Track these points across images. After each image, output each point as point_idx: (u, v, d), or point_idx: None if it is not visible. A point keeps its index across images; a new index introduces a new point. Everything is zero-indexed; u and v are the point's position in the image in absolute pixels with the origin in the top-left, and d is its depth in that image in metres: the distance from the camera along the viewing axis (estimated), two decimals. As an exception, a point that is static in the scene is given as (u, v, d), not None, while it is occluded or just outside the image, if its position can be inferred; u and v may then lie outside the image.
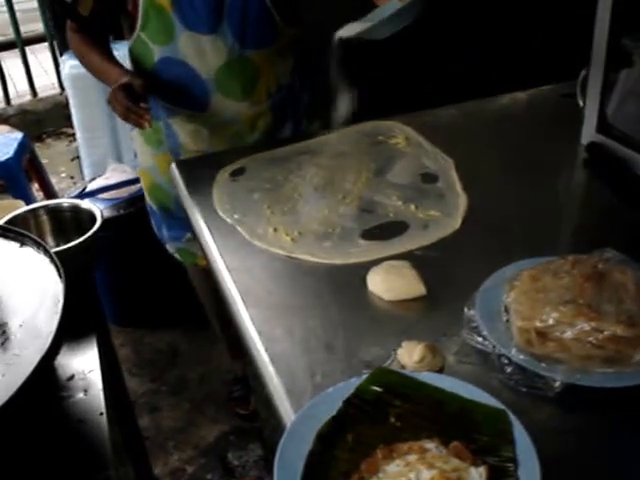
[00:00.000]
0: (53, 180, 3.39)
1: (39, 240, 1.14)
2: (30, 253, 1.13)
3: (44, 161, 3.29)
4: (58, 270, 1.07)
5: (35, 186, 3.13)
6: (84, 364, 1.14)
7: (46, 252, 1.11)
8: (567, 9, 2.60)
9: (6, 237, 1.17)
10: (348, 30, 1.38)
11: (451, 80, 2.55)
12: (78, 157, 3.00)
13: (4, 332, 1.02)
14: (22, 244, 1.15)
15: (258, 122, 1.80)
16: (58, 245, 1.35)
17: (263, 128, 1.81)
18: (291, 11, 1.72)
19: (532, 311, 0.99)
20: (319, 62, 1.59)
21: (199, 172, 1.59)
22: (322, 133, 1.76)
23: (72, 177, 3.85)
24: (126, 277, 2.68)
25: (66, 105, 3.08)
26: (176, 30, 1.63)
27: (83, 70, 2.59)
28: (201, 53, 1.66)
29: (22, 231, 1.16)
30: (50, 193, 3.12)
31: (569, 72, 1.78)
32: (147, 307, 2.82)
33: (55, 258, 1.09)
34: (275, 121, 1.82)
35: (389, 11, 1.32)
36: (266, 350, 1.05)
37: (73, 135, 3.90)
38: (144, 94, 1.59)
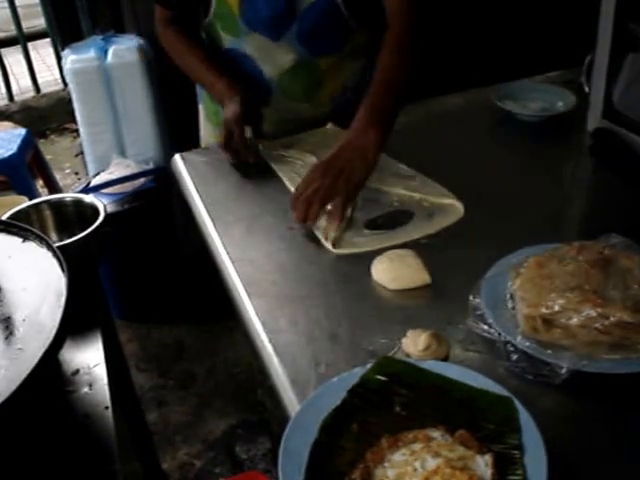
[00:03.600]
0: (58, 176, 3.39)
1: (42, 235, 1.13)
2: (33, 248, 1.13)
3: (48, 157, 3.29)
4: (61, 265, 1.07)
5: (40, 182, 3.13)
6: (89, 358, 1.14)
7: (49, 247, 1.11)
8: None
9: (9, 232, 1.16)
10: None
11: (454, 67, 2.54)
12: (82, 153, 3.00)
13: (7, 327, 1.02)
14: (25, 239, 1.15)
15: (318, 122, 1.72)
16: (61, 240, 1.35)
17: None
18: (366, 14, 1.63)
19: (538, 298, 0.99)
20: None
21: (201, 163, 1.58)
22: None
23: (77, 173, 3.85)
24: (132, 272, 2.68)
25: (69, 101, 3.08)
26: (242, 30, 1.58)
27: (85, 65, 2.63)
28: (266, 54, 1.61)
29: (25, 226, 1.16)
30: (54, 189, 3.12)
31: (572, 59, 1.78)
32: (153, 302, 2.83)
33: (58, 253, 1.09)
34: (336, 122, 1.71)
35: None
36: (270, 341, 1.05)
37: (76, 131, 3.90)
38: (260, 126, 1.54)
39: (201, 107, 1.87)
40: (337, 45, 1.65)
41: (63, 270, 1.05)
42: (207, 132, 1.88)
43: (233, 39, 1.62)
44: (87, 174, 2.86)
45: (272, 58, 1.62)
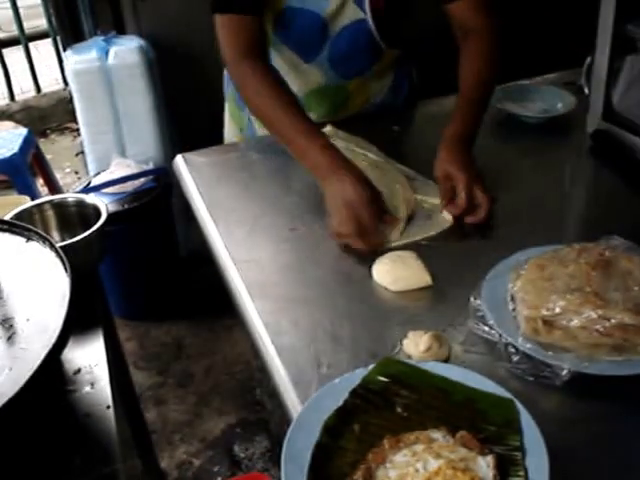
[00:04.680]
0: (58, 175, 3.39)
1: (45, 235, 1.14)
2: (36, 248, 1.13)
3: (48, 157, 3.29)
4: (64, 264, 1.07)
5: (40, 181, 3.13)
6: (90, 358, 1.14)
7: (52, 247, 1.11)
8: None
9: (12, 232, 1.17)
10: None
11: (454, 68, 2.54)
12: (82, 152, 3.00)
13: (11, 326, 1.02)
14: (28, 239, 1.15)
15: None
16: (63, 240, 1.35)
17: None
18: (397, 34, 1.61)
19: (539, 300, 0.99)
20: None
21: (203, 164, 1.59)
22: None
23: (77, 172, 3.85)
24: (131, 271, 2.68)
25: (70, 100, 3.08)
26: (273, 41, 1.56)
27: (86, 65, 2.63)
28: (295, 71, 1.58)
29: (28, 226, 1.16)
30: (55, 188, 3.12)
31: (571, 60, 1.78)
32: (152, 300, 2.83)
33: (61, 253, 1.09)
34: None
35: None
36: (272, 342, 1.05)
37: (77, 130, 3.90)
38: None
39: (227, 106, 1.83)
40: (366, 66, 1.63)
41: (66, 270, 1.06)
42: (231, 131, 1.84)
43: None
44: (87, 174, 2.86)
45: (300, 76, 1.59)
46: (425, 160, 1.49)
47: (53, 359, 0.96)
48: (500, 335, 1.00)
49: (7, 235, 1.17)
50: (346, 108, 1.68)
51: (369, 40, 1.55)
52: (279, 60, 1.59)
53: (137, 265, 2.69)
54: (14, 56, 4.27)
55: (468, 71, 1.44)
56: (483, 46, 1.45)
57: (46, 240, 1.13)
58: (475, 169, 1.32)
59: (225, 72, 1.81)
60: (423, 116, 1.75)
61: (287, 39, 1.55)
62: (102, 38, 2.67)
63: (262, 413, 2.28)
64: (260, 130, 1.70)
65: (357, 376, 0.93)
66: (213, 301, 2.63)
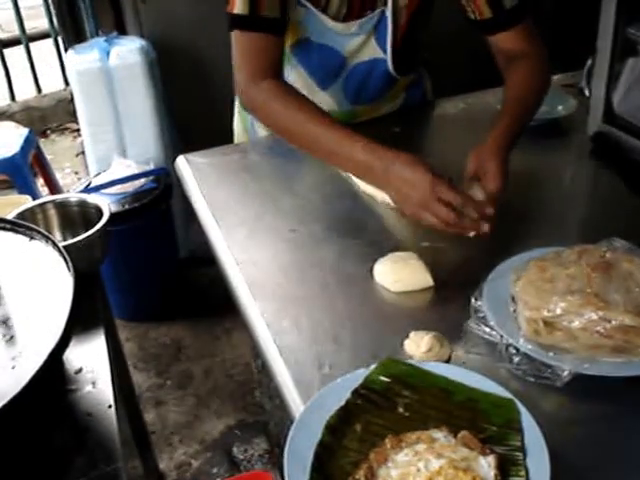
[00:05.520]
0: (57, 176, 3.39)
1: (48, 234, 1.14)
2: (39, 247, 1.14)
3: (48, 157, 3.29)
4: (67, 264, 1.07)
5: (40, 182, 3.13)
6: (92, 357, 1.14)
7: (55, 246, 1.12)
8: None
9: (15, 231, 1.17)
10: None
11: (455, 70, 2.55)
12: (83, 152, 3.01)
13: (14, 325, 1.03)
14: (31, 238, 1.16)
15: None
16: (65, 239, 1.36)
17: None
18: (411, 66, 1.63)
19: (539, 301, 0.99)
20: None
21: (205, 165, 1.59)
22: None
23: (76, 172, 3.86)
24: (130, 272, 2.69)
25: (70, 101, 3.09)
26: (290, 61, 1.55)
27: (88, 66, 2.63)
28: (309, 94, 1.42)
29: (31, 225, 1.17)
30: (55, 189, 3.12)
31: (572, 63, 1.79)
32: (151, 301, 2.83)
33: (64, 252, 1.09)
34: None
35: None
36: (274, 342, 1.05)
37: (77, 131, 3.91)
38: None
39: (236, 107, 1.79)
40: (379, 94, 1.64)
41: (69, 269, 1.06)
42: (240, 132, 1.81)
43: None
44: (87, 174, 2.87)
45: (314, 99, 1.44)
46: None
47: (56, 358, 0.96)
48: (501, 336, 1.00)
49: (10, 234, 1.18)
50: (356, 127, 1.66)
51: (385, 73, 1.56)
52: (294, 78, 1.57)
53: (136, 266, 2.69)
54: (15, 56, 4.27)
55: (517, 92, 1.38)
56: (534, 73, 1.41)
57: (49, 239, 1.13)
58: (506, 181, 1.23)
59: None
60: (424, 118, 1.75)
61: (304, 65, 1.56)
62: (103, 39, 2.67)
63: (261, 415, 2.28)
64: (261, 131, 1.70)
65: (359, 376, 0.93)
66: (212, 302, 2.66)
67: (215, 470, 2.19)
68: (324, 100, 1.57)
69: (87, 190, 2.54)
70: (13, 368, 0.95)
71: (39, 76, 4.30)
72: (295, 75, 1.58)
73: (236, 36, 1.35)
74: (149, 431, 2.06)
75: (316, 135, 1.26)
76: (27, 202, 1.44)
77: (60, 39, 3.73)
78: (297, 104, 1.30)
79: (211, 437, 2.30)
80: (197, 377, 2.55)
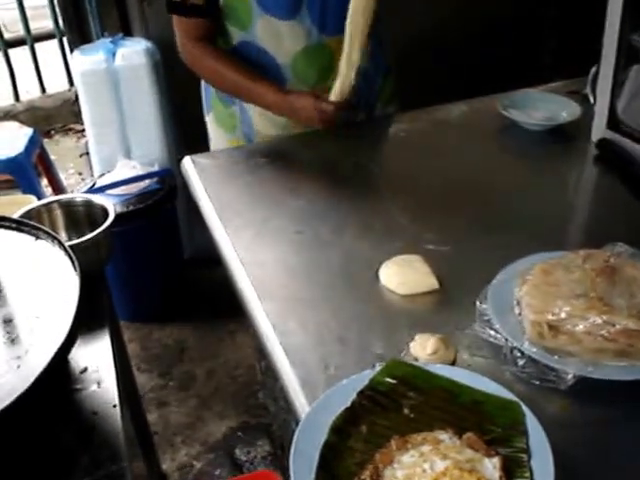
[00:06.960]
0: (61, 176, 3.39)
1: (54, 234, 1.14)
2: (45, 246, 1.14)
3: (52, 157, 3.30)
4: (73, 263, 1.08)
5: (44, 182, 3.14)
6: (97, 357, 1.15)
7: (61, 246, 1.12)
8: (576, 6, 2.60)
9: (21, 230, 1.18)
10: None
11: (460, 75, 2.56)
12: (87, 153, 3.01)
13: (20, 325, 1.03)
14: (37, 238, 1.16)
15: None
16: (71, 239, 1.36)
17: None
18: None
19: (544, 304, 1.00)
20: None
21: (211, 166, 1.60)
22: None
23: (80, 173, 3.86)
24: (134, 273, 2.69)
25: (74, 101, 3.10)
26: (254, 14, 1.60)
27: (93, 67, 2.64)
28: (278, 38, 1.63)
29: (37, 225, 1.17)
30: (59, 189, 3.13)
31: (576, 69, 1.79)
32: (155, 302, 2.83)
33: (70, 251, 1.10)
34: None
35: None
36: (280, 343, 1.06)
37: (81, 131, 3.91)
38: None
39: (210, 117, 1.87)
40: (343, 23, 1.61)
41: (75, 269, 1.07)
42: (218, 139, 1.87)
43: (242, 33, 1.64)
44: (92, 175, 2.87)
45: (283, 42, 1.64)
46: (428, 165, 1.51)
47: (61, 358, 0.97)
48: (506, 339, 1.01)
49: (15, 233, 1.18)
50: (332, 70, 1.67)
51: None
52: (260, 36, 1.63)
53: (140, 267, 2.70)
54: (19, 56, 4.28)
55: None
56: None
57: (55, 239, 1.14)
58: None
59: (202, 86, 1.85)
60: (428, 122, 1.76)
61: (265, 1, 1.59)
62: (109, 40, 2.68)
63: (263, 417, 2.28)
64: (255, 118, 1.75)
65: (364, 377, 0.93)
66: (216, 304, 2.66)
67: (217, 472, 2.18)
68: (294, 34, 1.63)
69: (92, 191, 2.54)
70: (19, 367, 0.95)
71: (43, 77, 4.31)
72: (263, 27, 1.62)
73: (174, 17, 1.67)
74: (152, 432, 2.06)
75: (239, 83, 1.65)
76: (32, 202, 1.44)
77: (65, 40, 3.74)
78: (225, 60, 1.65)
79: (214, 438, 2.30)
80: (200, 378, 2.55)
